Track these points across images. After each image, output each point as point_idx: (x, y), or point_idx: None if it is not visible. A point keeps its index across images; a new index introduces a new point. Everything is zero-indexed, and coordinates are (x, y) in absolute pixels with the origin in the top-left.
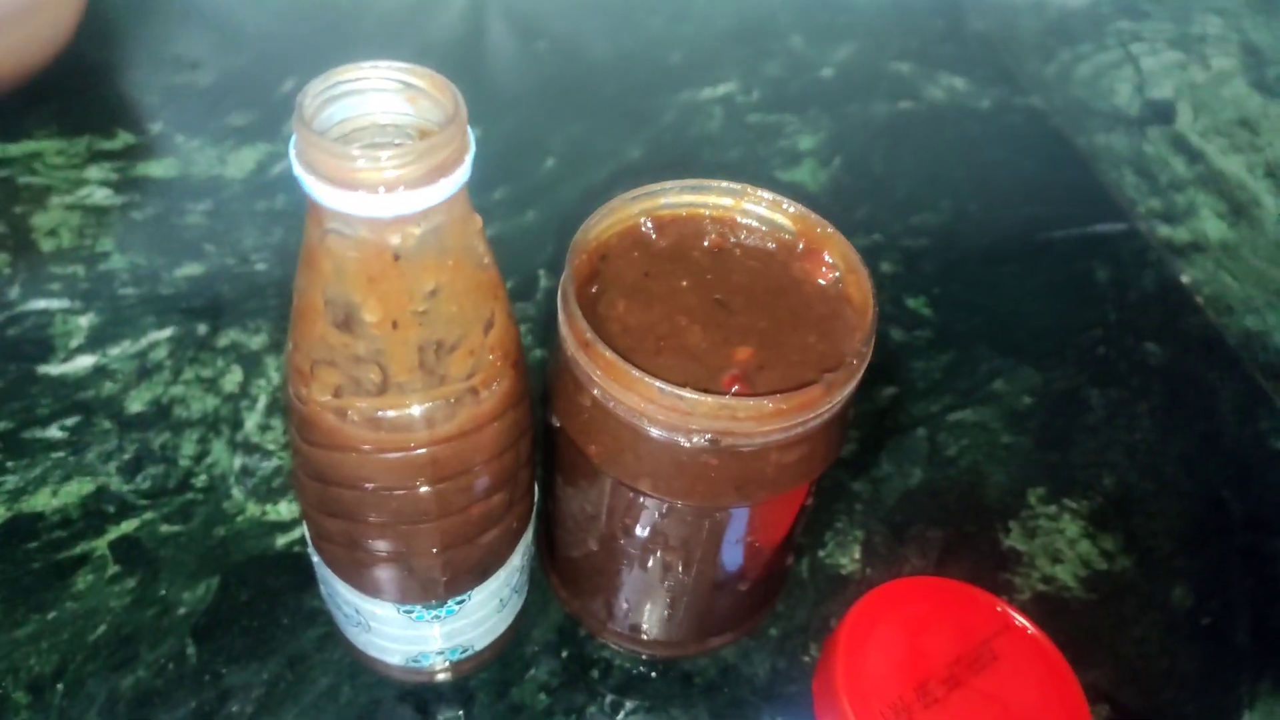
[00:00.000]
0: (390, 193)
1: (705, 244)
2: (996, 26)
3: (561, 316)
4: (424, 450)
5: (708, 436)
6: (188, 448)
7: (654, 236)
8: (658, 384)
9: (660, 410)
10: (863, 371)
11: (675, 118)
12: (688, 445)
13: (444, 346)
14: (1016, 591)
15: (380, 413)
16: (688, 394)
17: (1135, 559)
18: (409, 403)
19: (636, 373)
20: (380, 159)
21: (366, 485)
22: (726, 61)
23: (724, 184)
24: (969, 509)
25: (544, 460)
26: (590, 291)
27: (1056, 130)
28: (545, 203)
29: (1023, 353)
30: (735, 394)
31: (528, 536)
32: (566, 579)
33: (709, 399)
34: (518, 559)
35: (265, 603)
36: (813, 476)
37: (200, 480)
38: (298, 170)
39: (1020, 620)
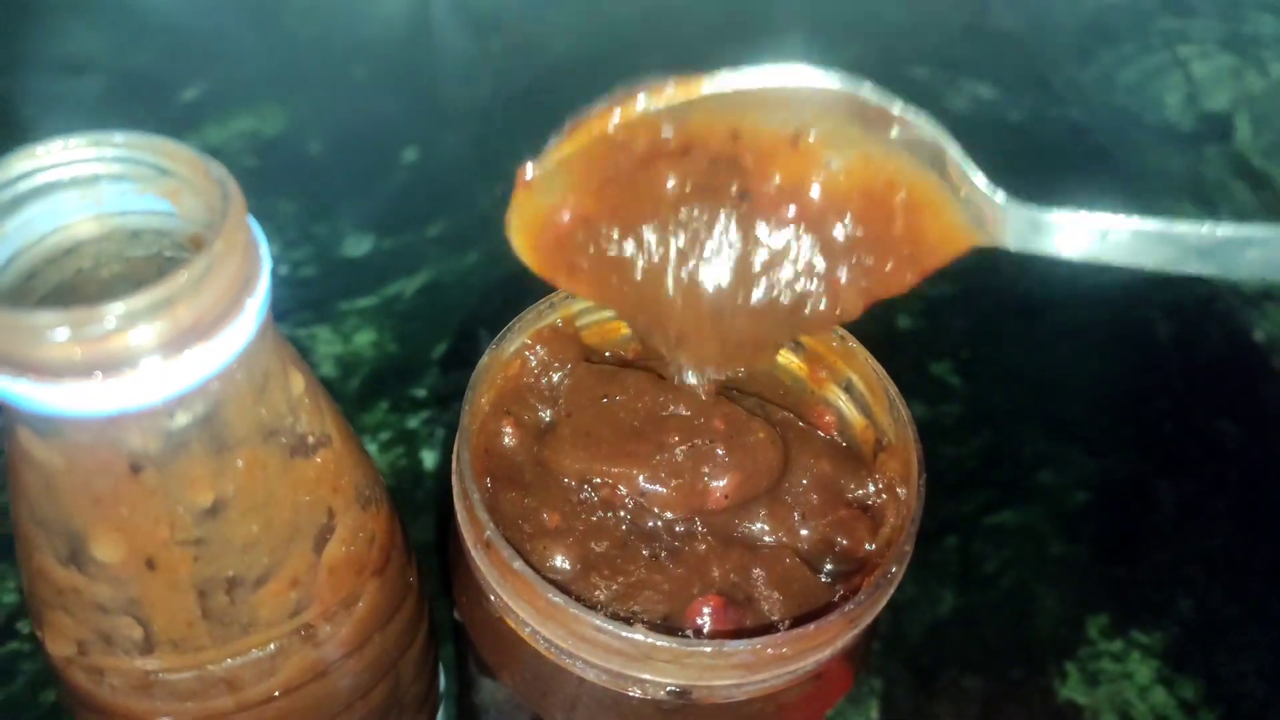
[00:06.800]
0: (112, 376)
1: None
2: (1025, 23)
3: (456, 491)
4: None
5: (671, 689)
6: None
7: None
8: (593, 619)
9: (599, 652)
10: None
11: None
12: (643, 697)
13: (242, 584)
14: None
15: (152, 675)
16: (640, 636)
17: (1222, 711)
18: (196, 662)
19: (559, 599)
20: (84, 324)
21: None
22: (715, 63)
23: None
24: (1015, 646)
25: (456, 644)
26: (503, 446)
27: (1100, 149)
28: (493, 240)
29: (1073, 433)
30: (710, 632)
31: None
32: None
33: (673, 644)
34: None
35: None
36: (827, 709)
37: None
38: None
39: None
